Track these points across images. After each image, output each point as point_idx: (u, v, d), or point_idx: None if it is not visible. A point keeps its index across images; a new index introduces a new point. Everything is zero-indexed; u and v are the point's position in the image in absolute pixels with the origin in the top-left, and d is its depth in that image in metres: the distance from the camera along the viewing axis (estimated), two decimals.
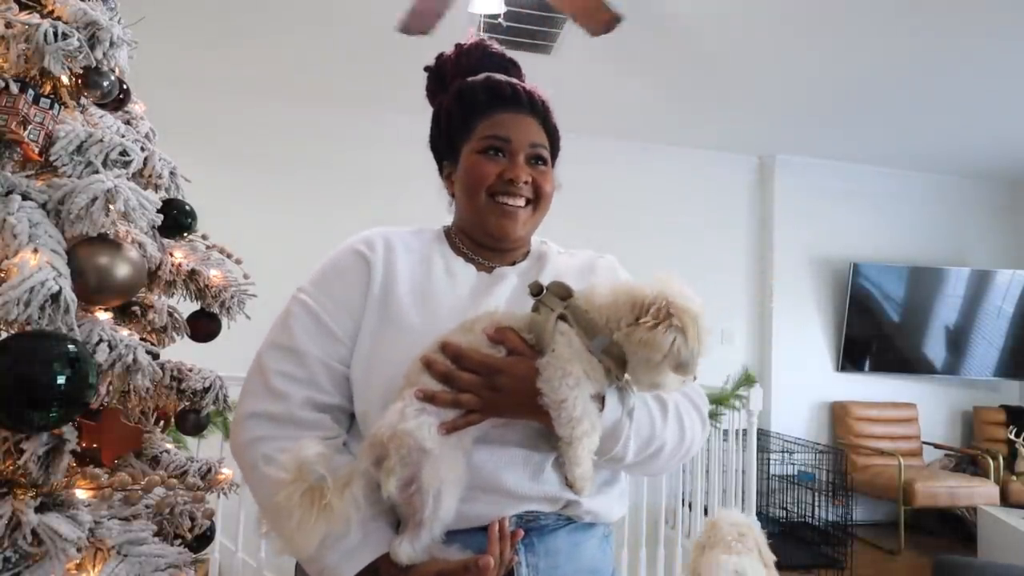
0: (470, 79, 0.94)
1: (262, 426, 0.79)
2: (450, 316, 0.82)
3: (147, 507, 1.19)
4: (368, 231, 0.92)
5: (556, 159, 0.97)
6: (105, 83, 1.15)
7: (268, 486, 0.72)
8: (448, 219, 1.02)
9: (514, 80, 0.95)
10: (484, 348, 0.77)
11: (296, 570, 0.86)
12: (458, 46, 0.98)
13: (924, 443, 4.75)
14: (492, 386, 0.75)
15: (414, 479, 0.71)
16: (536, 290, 0.80)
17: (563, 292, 0.79)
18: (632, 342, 0.72)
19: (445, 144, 0.96)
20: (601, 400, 0.77)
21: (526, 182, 0.89)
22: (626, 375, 0.78)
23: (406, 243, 0.91)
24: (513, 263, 0.95)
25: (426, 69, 1.01)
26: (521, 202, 0.90)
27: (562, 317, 0.77)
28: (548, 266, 0.95)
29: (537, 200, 0.91)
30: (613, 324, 0.74)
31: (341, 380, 0.83)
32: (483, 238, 0.93)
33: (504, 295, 0.88)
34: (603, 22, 2.55)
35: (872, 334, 4.87)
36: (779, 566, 1.83)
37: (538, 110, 0.94)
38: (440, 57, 0.99)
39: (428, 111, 1.01)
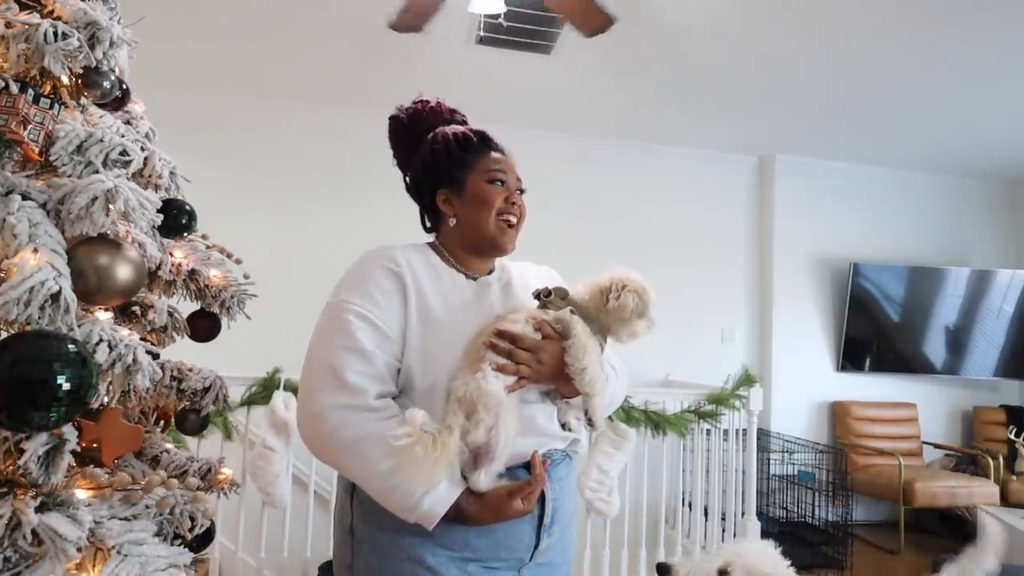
0: (460, 128, 1.20)
1: (343, 415, 0.99)
2: (465, 312, 1.09)
3: (147, 507, 1.19)
4: (381, 249, 1.12)
5: None
6: (105, 83, 1.14)
7: (385, 449, 0.94)
8: (425, 238, 1.23)
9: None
10: (530, 334, 1.06)
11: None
12: (424, 103, 1.24)
13: (924, 443, 4.75)
14: (538, 360, 1.05)
15: (493, 426, 0.98)
16: (546, 294, 1.12)
17: (563, 294, 1.13)
18: (610, 312, 1.09)
19: (444, 173, 1.17)
20: None
21: (519, 206, 1.19)
22: (607, 342, 1.14)
23: (416, 257, 1.13)
24: (489, 272, 1.21)
25: (392, 118, 1.25)
26: (515, 220, 1.18)
27: (572, 312, 1.09)
28: (514, 274, 1.23)
29: (519, 220, 1.20)
30: (596, 309, 1.10)
31: (395, 372, 1.06)
32: (488, 248, 1.18)
33: (497, 295, 1.17)
34: (596, 24, 2.54)
35: (872, 334, 4.87)
36: None
37: (510, 155, 1.22)
38: (411, 112, 1.24)
39: None
